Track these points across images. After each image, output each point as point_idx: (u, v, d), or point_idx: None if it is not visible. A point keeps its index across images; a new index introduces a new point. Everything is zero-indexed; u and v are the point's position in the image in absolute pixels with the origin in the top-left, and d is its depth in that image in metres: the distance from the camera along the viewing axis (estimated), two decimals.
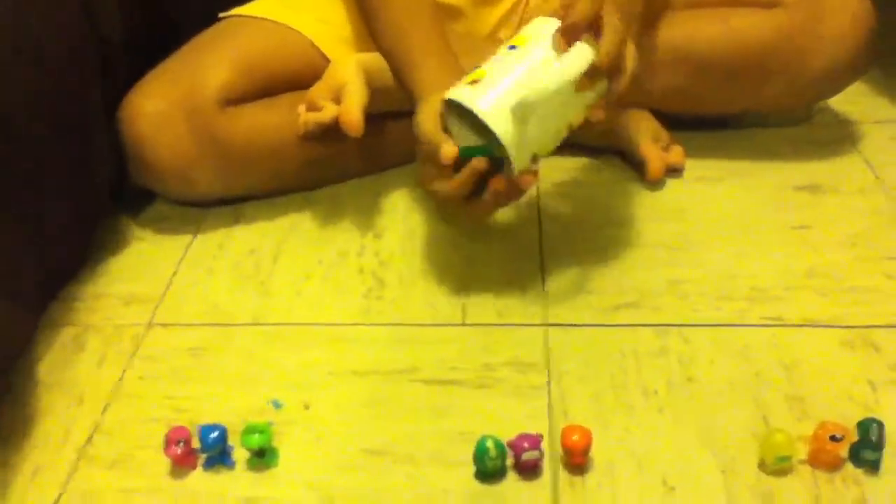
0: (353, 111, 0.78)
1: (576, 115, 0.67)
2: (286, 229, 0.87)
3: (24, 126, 0.70)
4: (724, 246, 0.81)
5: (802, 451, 0.60)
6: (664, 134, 0.91)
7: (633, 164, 0.91)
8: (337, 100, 0.81)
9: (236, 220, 0.89)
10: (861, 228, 0.82)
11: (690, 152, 0.91)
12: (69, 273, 0.80)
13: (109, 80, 0.81)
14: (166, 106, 0.82)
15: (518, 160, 0.65)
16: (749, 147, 0.94)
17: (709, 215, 0.85)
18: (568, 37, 0.64)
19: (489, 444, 0.59)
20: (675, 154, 0.91)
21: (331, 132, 0.81)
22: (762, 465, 0.60)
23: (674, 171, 0.90)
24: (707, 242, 0.81)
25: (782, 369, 0.68)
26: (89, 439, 0.65)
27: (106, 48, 0.80)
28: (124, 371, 0.71)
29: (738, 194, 0.88)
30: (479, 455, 0.60)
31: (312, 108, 0.82)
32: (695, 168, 0.91)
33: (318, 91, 0.82)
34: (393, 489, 0.60)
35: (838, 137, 0.96)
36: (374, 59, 0.85)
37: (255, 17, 0.90)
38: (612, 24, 0.64)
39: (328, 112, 0.81)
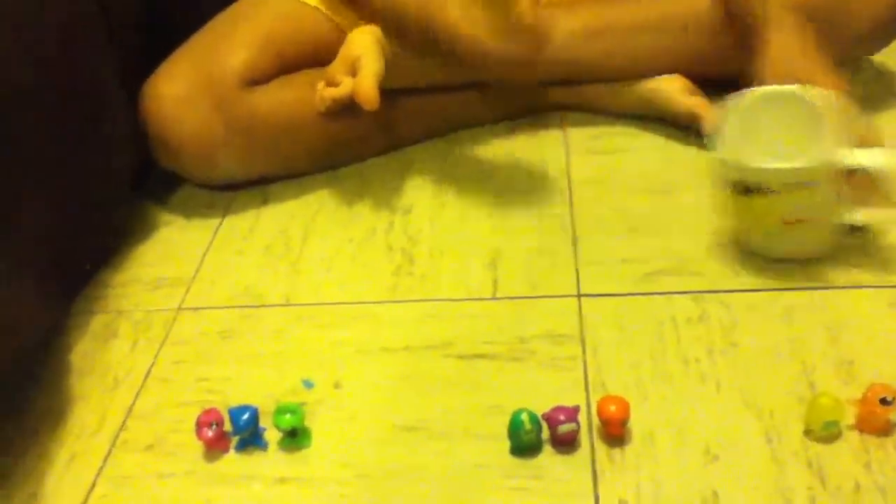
0: (366, 83, 0.77)
1: None
2: (314, 209, 0.86)
3: (33, 93, 0.69)
4: None
5: (851, 416, 0.58)
6: (699, 90, 0.88)
7: (678, 126, 0.88)
8: (354, 73, 0.79)
9: (264, 201, 0.88)
10: None
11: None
12: (97, 259, 0.80)
13: (121, 57, 0.80)
14: (188, 88, 0.81)
15: None
16: None
17: None
18: None
19: (524, 417, 0.58)
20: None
21: (350, 107, 0.80)
22: (808, 432, 0.58)
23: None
24: None
25: (828, 332, 0.65)
26: (123, 424, 0.65)
27: (110, 18, 0.79)
28: (156, 356, 0.71)
29: None
30: (514, 429, 0.58)
31: (331, 83, 0.81)
32: None
33: (335, 66, 0.81)
34: (427, 465, 0.59)
35: (878, 93, 0.92)
36: None
37: None
38: None
39: (345, 87, 0.80)
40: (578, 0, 0.91)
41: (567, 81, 0.92)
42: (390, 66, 0.80)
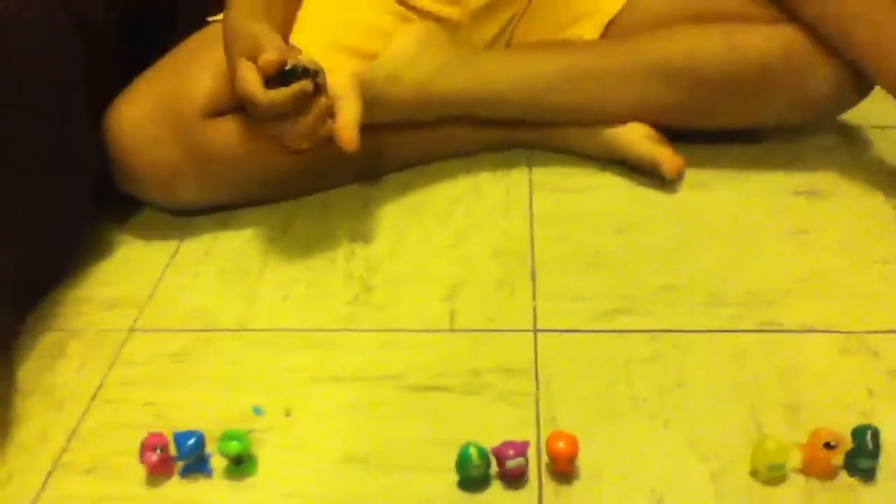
0: (348, 127, 0.76)
1: None
2: (274, 235, 0.86)
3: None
4: (718, 251, 0.79)
5: (796, 459, 0.58)
6: (663, 138, 0.90)
7: (641, 172, 0.89)
8: (331, 114, 0.79)
9: (224, 225, 0.87)
10: (860, 233, 0.81)
11: (685, 159, 0.89)
12: (52, 277, 0.79)
13: (92, 75, 0.80)
14: (150, 115, 0.81)
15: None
16: (745, 153, 0.93)
17: (703, 220, 0.84)
18: None
19: (472, 451, 0.58)
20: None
21: (323, 145, 0.80)
22: (754, 473, 0.58)
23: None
24: (701, 248, 0.80)
25: (777, 376, 0.66)
26: (66, 446, 0.64)
27: (88, 40, 0.79)
28: (105, 377, 0.70)
29: (734, 199, 0.87)
30: (462, 463, 0.58)
31: None
32: (690, 174, 0.89)
33: None
34: (375, 498, 0.59)
35: (838, 142, 0.95)
36: (369, 69, 0.84)
37: None
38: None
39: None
40: (548, 45, 0.92)
41: (536, 123, 0.93)
42: (369, 106, 0.79)
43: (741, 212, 0.85)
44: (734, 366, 0.67)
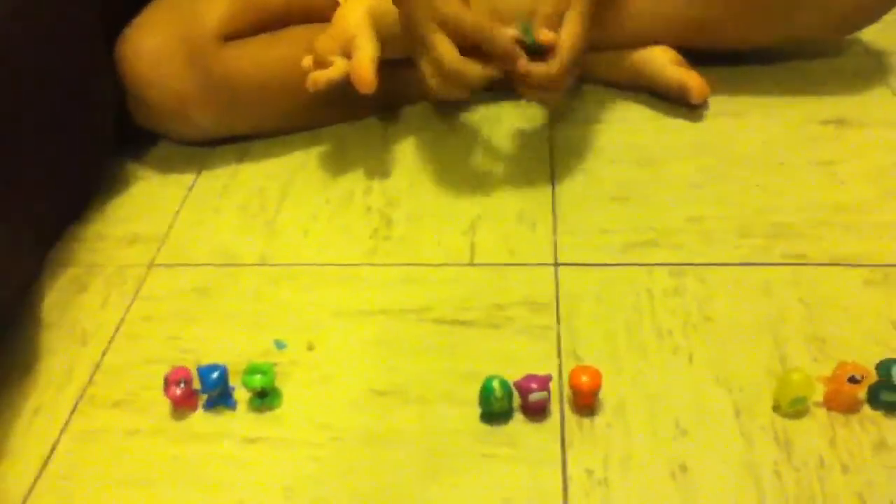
0: (364, 67, 0.74)
1: None
2: (292, 169, 0.85)
3: (14, 47, 0.67)
4: (745, 182, 0.78)
5: (820, 393, 0.58)
6: (684, 62, 0.87)
7: (666, 97, 0.87)
8: (346, 53, 0.76)
9: (241, 159, 0.87)
10: (889, 164, 0.79)
11: (710, 87, 0.87)
12: (74, 215, 0.79)
13: (108, 7, 0.78)
14: (164, 43, 0.79)
15: None
16: (772, 81, 0.90)
17: (730, 151, 0.82)
18: None
19: (495, 384, 0.58)
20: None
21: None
22: (777, 407, 0.58)
23: (693, 106, 0.87)
24: (728, 178, 0.78)
25: (803, 308, 0.65)
26: (91, 379, 0.64)
27: None
28: (126, 311, 0.70)
29: (761, 129, 0.84)
30: (485, 396, 0.58)
31: (320, 61, 0.78)
32: (715, 103, 0.87)
33: (325, 43, 0.77)
34: (400, 429, 0.59)
35: (866, 69, 0.92)
36: (384, 3, 0.81)
37: None
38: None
39: (338, 68, 0.76)
40: None
41: None
42: (385, 42, 0.77)
43: (768, 142, 0.83)
44: (760, 299, 0.66)
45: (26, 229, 0.70)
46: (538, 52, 0.70)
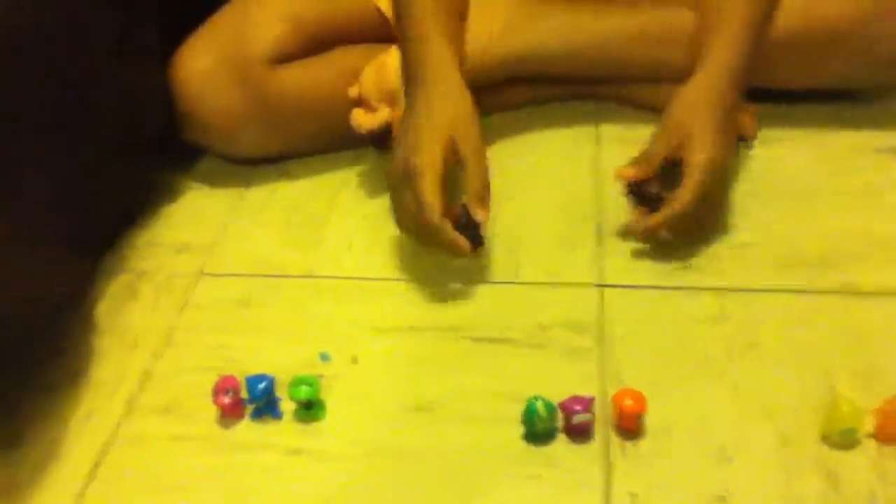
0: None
1: None
2: (336, 185, 0.86)
3: (70, 62, 0.69)
4: (792, 209, 0.77)
5: (869, 425, 0.57)
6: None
7: None
8: (390, 101, 0.78)
9: (287, 174, 0.88)
10: None
11: (760, 112, 0.86)
12: (125, 223, 0.81)
13: (163, 20, 0.80)
14: (215, 64, 0.80)
15: None
16: (816, 110, 0.89)
17: (778, 177, 0.81)
18: None
19: (539, 404, 0.58)
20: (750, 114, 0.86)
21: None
22: (825, 438, 0.57)
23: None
24: (775, 205, 0.78)
25: (850, 339, 0.64)
26: (141, 385, 0.66)
27: None
28: (176, 319, 0.71)
29: (810, 156, 0.83)
30: (529, 416, 0.58)
31: (365, 104, 0.80)
32: (764, 131, 0.87)
33: (370, 89, 0.79)
34: (439, 447, 0.60)
35: None
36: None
37: None
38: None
39: (381, 116, 0.78)
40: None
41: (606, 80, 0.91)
42: None
43: (816, 169, 0.82)
44: (806, 328, 0.66)
45: (77, 236, 0.72)
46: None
